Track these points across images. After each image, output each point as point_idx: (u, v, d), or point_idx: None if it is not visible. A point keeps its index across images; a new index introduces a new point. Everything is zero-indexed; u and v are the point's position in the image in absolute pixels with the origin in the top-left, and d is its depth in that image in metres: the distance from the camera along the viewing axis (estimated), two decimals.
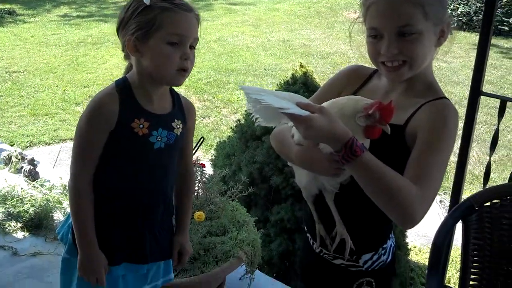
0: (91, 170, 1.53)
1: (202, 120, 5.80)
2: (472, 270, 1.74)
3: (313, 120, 1.15)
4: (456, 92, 6.78)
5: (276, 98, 1.18)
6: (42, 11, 11.20)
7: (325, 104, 1.33)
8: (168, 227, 1.70)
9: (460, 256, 1.79)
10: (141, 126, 1.50)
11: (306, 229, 1.62)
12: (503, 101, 2.01)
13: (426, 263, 2.20)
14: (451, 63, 7.80)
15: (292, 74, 3.25)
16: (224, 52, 8.33)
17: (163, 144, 1.54)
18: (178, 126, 1.58)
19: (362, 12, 1.39)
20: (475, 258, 1.75)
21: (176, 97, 1.62)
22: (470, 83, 2.10)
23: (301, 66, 3.29)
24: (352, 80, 1.53)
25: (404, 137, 1.33)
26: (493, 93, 3.17)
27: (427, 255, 3.20)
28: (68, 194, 1.58)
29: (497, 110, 2.10)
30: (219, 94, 6.49)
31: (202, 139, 2.41)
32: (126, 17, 1.48)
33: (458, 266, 2.25)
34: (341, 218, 1.43)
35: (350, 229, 1.44)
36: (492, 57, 7.88)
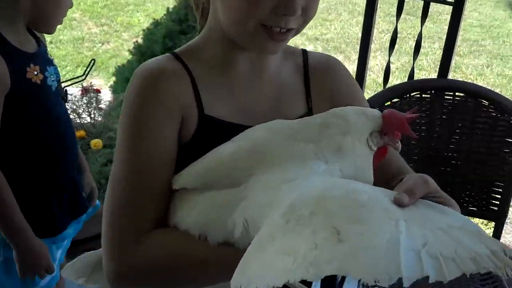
0: None
1: (101, 46, 5.44)
2: None
3: None
4: None
5: None
6: None
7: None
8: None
9: None
10: (36, 73, 1.27)
11: None
12: (427, 3, 1.81)
13: None
14: None
15: None
16: None
17: (56, 82, 1.34)
18: (50, 56, 1.38)
19: None
20: None
21: None
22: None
23: None
24: (176, 95, 0.87)
25: None
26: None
27: None
28: None
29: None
30: (118, 17, 6.09)
31: (92, 62, 2.21)
32: None
33: None
34: None
35: None
36: None
